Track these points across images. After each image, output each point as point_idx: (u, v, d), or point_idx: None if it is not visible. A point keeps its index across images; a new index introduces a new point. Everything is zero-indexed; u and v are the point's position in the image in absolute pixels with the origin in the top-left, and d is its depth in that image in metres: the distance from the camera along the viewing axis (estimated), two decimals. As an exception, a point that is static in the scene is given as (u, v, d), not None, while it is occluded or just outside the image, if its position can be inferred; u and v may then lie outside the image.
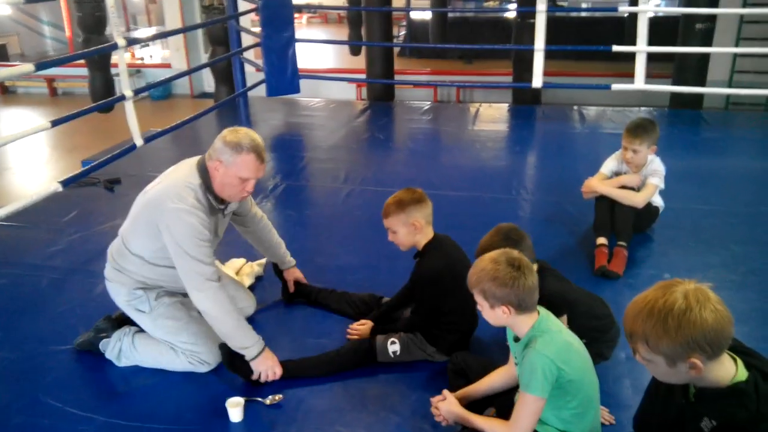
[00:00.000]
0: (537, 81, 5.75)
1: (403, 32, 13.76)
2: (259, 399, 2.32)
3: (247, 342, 2.34)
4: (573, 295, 2.30)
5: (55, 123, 3.89)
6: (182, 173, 2.39)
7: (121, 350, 2.52)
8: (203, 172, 2.37)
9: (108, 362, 2.53)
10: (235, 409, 2.23)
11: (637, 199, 3.35)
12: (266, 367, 2.36)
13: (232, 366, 2.40)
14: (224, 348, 2.40)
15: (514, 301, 1.82)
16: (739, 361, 1.41)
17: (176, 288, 2.54)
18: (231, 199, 2.45)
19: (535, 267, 2.21)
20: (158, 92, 10.36)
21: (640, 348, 1.40)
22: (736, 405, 1.36)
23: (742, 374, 1.39)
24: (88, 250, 3.49)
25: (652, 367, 1.44)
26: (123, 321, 2.61)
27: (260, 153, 2.35)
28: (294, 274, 2.95)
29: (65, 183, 3.87)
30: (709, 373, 1.38)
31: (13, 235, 3.78)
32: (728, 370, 1.39)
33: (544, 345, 1.80)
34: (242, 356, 2.38)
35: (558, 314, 2.13)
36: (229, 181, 2.34)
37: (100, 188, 4.43)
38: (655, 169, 3.40)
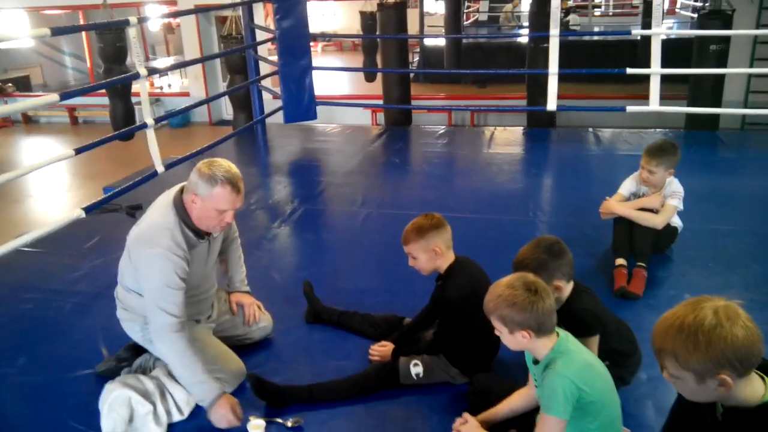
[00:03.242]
0: (551, 104, 5.78)
1: (417, 58, 13.91)
2: (280, 421, 2.33)
3: (199, 392, 2.27)
4: (605, 316, 2.30)
5: (79, 151, 3.98)
6: (158, 213, 2.36)
7: (142, 377, 2.53)
8: (179, 208, 2.34)
9: (130, 386, 2.55)
10: (256, 431, 2.23)
11: (656, 221, 3.34)
12: (219, 416, 2.24)
13: (261, 392, 2.42)
14: (252, 377, 2.42)
15: (534, 325, 1.82)
16: (768, 380, 1.40)
17: (188, 315, 2.51)
18: (210, 230, 2.40)
19: (571, 285, 2.23)
20: (177, 120, 10.53)
21: (669, 364, 1.40)
22: (766, 425, 1.35)
23: (772, 393, 1.38)
24: (111, 276, 3.49)
25: (680, 385, 1.42)
26: (143, 349, 2.63)
27: (236, 184, 2.29)
28: (240, 298, 2.80)
29: (88, 209, 3.95)
30: (738, 391, 1.37)
31: (37, 260, 3.84)
32: (757, 388, 1.38)
33: (564, 366, 1.80)
34: (272, 383, 2.41)
35: (590, 333, 2.13)
36: (207, 214, 2.31)
37: (122, 214, 4.49)
38: (674, 190, 3.40)
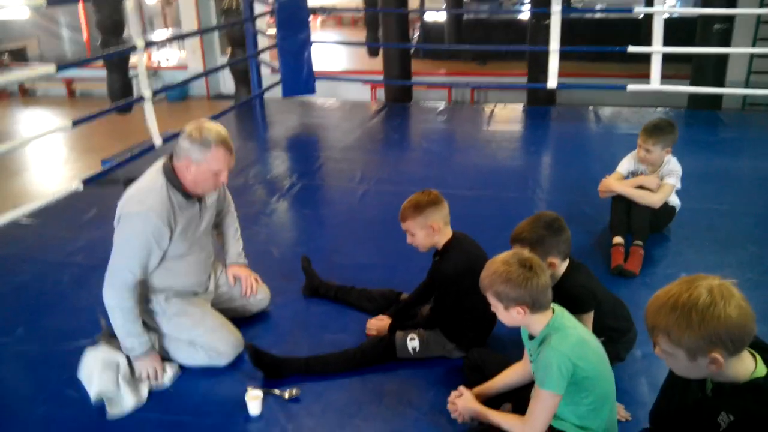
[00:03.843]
0: (552, 82, 5.75)
1: (417, 34, 13.78)
2: (278, 392, 2.35)
3: (129, 345, 2.39)
4: (600, 293, 2.31)
5: (75, 123, 3.96)
6: (146, 179, 2.41)
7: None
8: (168, 172, 2.38)
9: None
10: (253, 402, 2.26)
11: (653, 199, 3.34)
12: (145, 366, 2.39)
13: (259, 363, 2.44)
14: (251, 348, 2.44)
15: (529, 301, 1.83)
16: (759, 357, 1.41)
17: (186, 286, 2.58)
18: (205, 192, 2.48)
19: (566, 263, 2.23)
20: (174, 94, 10.45)
21: (661, 341, 1.41)
22: (754, 400, 1.36)
23: (761, 370, 1.39)
24: (108, 247, 3.48)
25: (671, 361, 1.44)
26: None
27: (228, 144, 2.36)
28: (237, 270, 2.81)
29: (87, 182, 3.94)
30: (728, 369, 1.38)
31: (35, 232, 3.84)
32: (747, 365, 1.39)
33: (559, 341, 1.81)
34: (270, 354, 2.44)
35: (584, 310, 2.15)
36: (202, 177, 2.36)
37: (119, 187, 4.48)
38: (672, 169, 3.40)
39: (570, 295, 2.05)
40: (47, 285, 3.21)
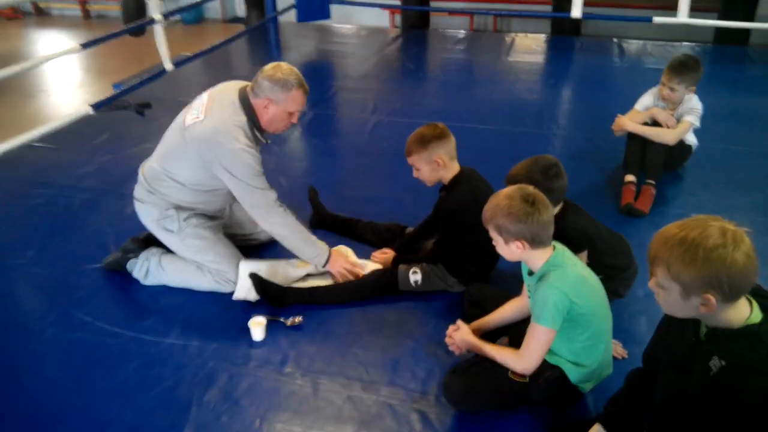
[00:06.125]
0: (576, 11, 5.53)
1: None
2: (281, 319, 2.40)
3: (314, 253, 2.55)
4: (594, 231, 2.28)
5: (85, 46, 3.91)
6: (228, 112, 2.43)
7: (149, 270, 2.61)
8: (248, 108, 2.45)
9: (135, 281, 2.64)
10: (257, 328, 2.31)
11: (668, 137, 3.26)
12: (338, 267, 2.56)
13: (264, 292, 2.48)
14: (255, 277, 2.48)
15: (528, 236, 1.82)
16: (755, 304, 1.39)
17: (209, 211, 2.64)
18: (278, 132, 2.56)
19: (559, 207, 2.20)
20: (190, 16, 10.23)
21: (659, 273, 1.39)
22: (746, 347, 1.35)
23: (756, 316, 1.38)
24: (120, 172, 3.56)
25: (663, 295, 1.42)
26: (150, 242, 2.69)
27: (306, 87, 2.47)
28: None
29: (96, 106, 3.93)
30: (722, 314, 1.37)
31: (46, 156, 3.87)
32: (742, 312, 1.38)
33: (557, 278, 1.81)
34: (272, 283, 2.48)
35: (578, 250, 2.13)
36: (279, 116, 2.46)
37: (131, 112, 4.47)
38: (692, 107, 3.29)
39: (562, 236, 2.03)
40: (59, 208, 3.26)
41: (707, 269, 1.31)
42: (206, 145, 2.40)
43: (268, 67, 2.44)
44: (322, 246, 2.57)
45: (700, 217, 1.38)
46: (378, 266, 2.66)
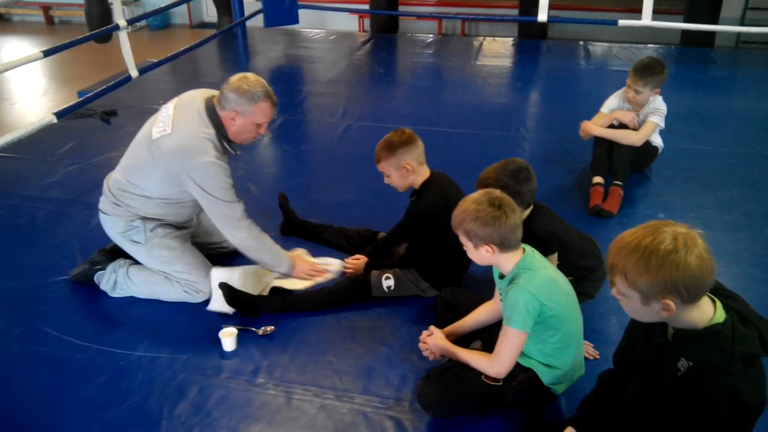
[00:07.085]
0: (542, 15, 5.60)
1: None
2: (252, 329, 2.37)
3: (278, 263, 2.56)
4: (564, 234, 2.31)
5: (47, 53, 3.83)
6: (195, 124, 2.40)
7: (117, 282, 2.56)
8: (215, 120, 2.41)
9: (103, 293, 2.58)
10: (228, 338, 2.28)
11: (634, 138, 3.31)
12: (302, 270, 2.59)
13: (234, 302, 2.44)
14: (225, 287, 2.44)
15: (497, 239, 1.83)
16: (718, 303, 1.42)
17: (176, 221, 2.59)
18: (246, 143, 2.54)
19: (528, 210, 2.22)
20: (157, 21, 10.12)
21: (618, 281, 1.41)
22: (711, 346, 1.37)
23: (720, 316, 1.40)
24: (85, 182, 3.50)
25: (625, 302, 1.45)
26: (117, 253, 2.64)
27: (273, 98, 2.44)
28: None
29: (60, 114, 3.85)
30: (685, 315, 1.39)
31: (9, 166, 3.78)
32: (706, 312, 1.40)
33: (527, 281, 1.82)
34: (242, 292, 2.44)
35: (548, 252, 2.15)
36: (247, 128, 2.43)
37: (96, 120, 4.39)
38: (657, 107, 3.35)
39: (532, 238, 2.04)
40: (23, 220, 3.18)
41: (662, 275, 1.32)
42: (175, 159, 2.36)
43: (234, 79, 2.40)
44: (286, 255, 2.58)
45: (652, 223, 1.40)
46: (338, 261, 2.69)
